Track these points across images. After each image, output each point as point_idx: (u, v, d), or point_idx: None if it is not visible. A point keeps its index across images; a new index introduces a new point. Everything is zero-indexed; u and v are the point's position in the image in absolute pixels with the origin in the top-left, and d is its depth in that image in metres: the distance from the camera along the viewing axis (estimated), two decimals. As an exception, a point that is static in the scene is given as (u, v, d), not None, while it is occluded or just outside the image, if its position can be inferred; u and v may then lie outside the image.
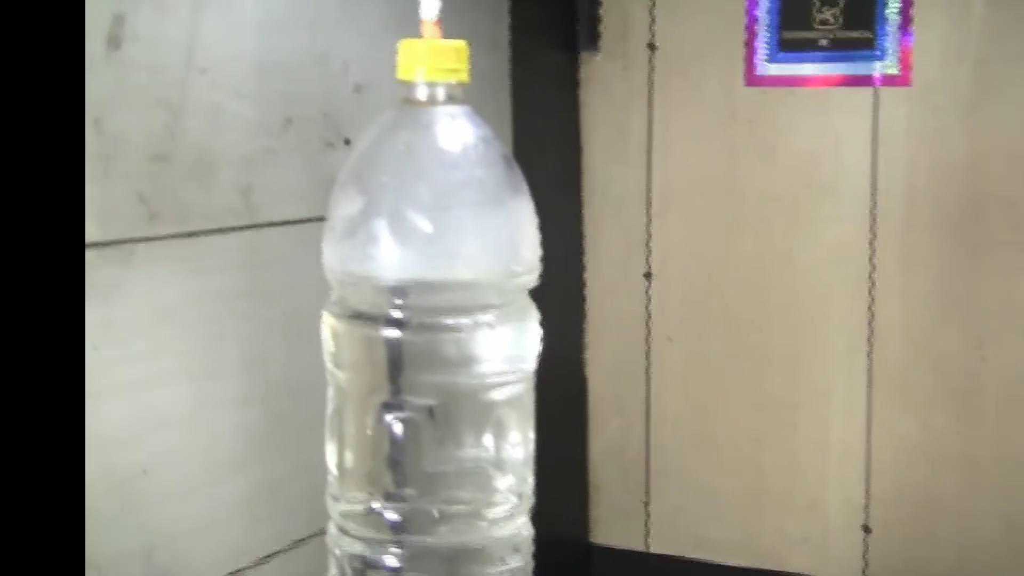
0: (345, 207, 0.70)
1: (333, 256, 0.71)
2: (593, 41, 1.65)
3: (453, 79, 0.71)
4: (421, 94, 0.70)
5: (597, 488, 1.74)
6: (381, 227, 0.67)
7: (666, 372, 1.68)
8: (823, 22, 1.52)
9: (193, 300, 1.01)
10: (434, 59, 0.71)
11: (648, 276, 1.67)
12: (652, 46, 1.63)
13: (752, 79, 1.57)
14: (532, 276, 0.73)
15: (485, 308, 0.70)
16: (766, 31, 1.55)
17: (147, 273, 0.97)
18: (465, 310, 0.69)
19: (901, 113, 1.51)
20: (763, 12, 1.55)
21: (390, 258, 0.68)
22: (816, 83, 1.54)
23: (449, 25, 1.32)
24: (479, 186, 0.69)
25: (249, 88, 1.06)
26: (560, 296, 1.65)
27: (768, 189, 1.58)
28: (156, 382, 0.98)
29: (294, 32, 1.12)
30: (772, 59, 1.56)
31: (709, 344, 1.64)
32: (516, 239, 0.71)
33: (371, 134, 0.71)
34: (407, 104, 0.71)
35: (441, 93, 0.71)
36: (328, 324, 0.72)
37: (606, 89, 1.66)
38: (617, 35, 1.65)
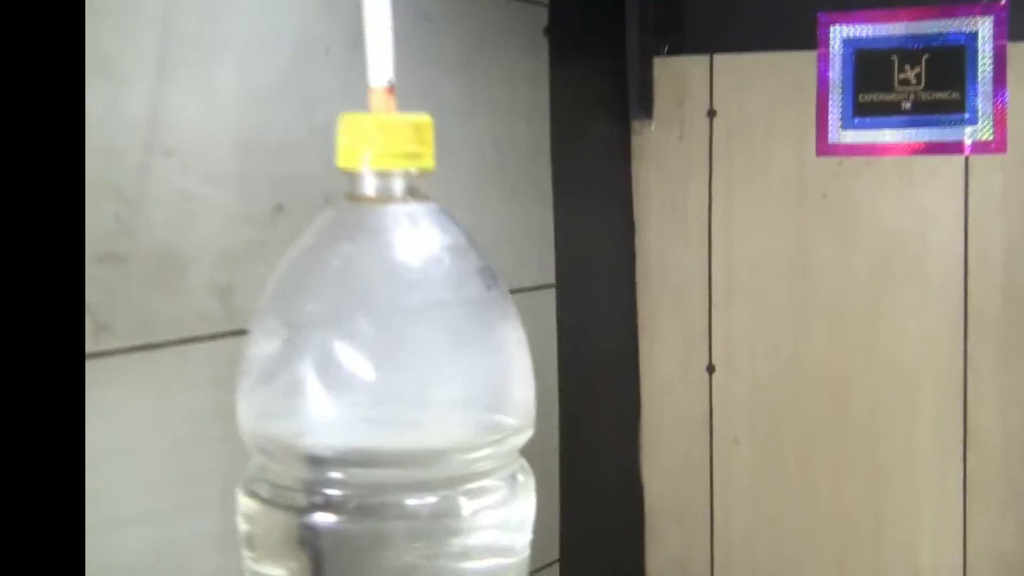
0: (262, 344, 0.54)
1: (246, 410, 0.54)
2: (646, 108, 1.49)
3: (412, 166, 0.54)
4: (368, 187, 0.53)
5: (658, 606, 1.56)
6: (306, 373, 0.50)
7: (732, 478, 1.50)
8: (904, 82, 1.36)
9: (157, 426, 0.85)
10: (386, 140, 0.54)
11: (710, 370, 1.50)
12: (712, 113, 1.47)
13: (825, 148, 1.41)
14: (523, 433, 0.55)
15: (455, 483, 0.52)
16: (840, 94, 1.39)
17: (95, 397, 0.80)
18: (426, 487, 0.51)
19: (996, 184, 1.34)
20: (836, 73, 1.39)
21: (318, 417, 0.51)
22: (898, 151, 1.37)
23: (478, 97, 1.17)
24: (446, 315, 0.52)
25: (229, 172, 0.91)
26: (612, 393, 1.49)
27: (845, 273, 1.41)
28: (112, 528, 0.82)
29: (286, 104, 0.96)
30: (847, 125, 1.39)
31: (780, 447, 1.47)
32: (499, 386, 0.54)
33: (299, 244, 0.55)
34: (349, 201, 0.54)
35: (396, 186, 0.54)
36: (242, 504, 0.55)
37: (661, 161, 1.50)
38: (673, 101, 1.49)
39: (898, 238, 1.39)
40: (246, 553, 0.55)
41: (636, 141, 1.51)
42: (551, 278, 1.36)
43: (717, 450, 1.50)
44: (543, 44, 1.32)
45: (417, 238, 0.54)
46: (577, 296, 1.40)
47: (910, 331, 1.39)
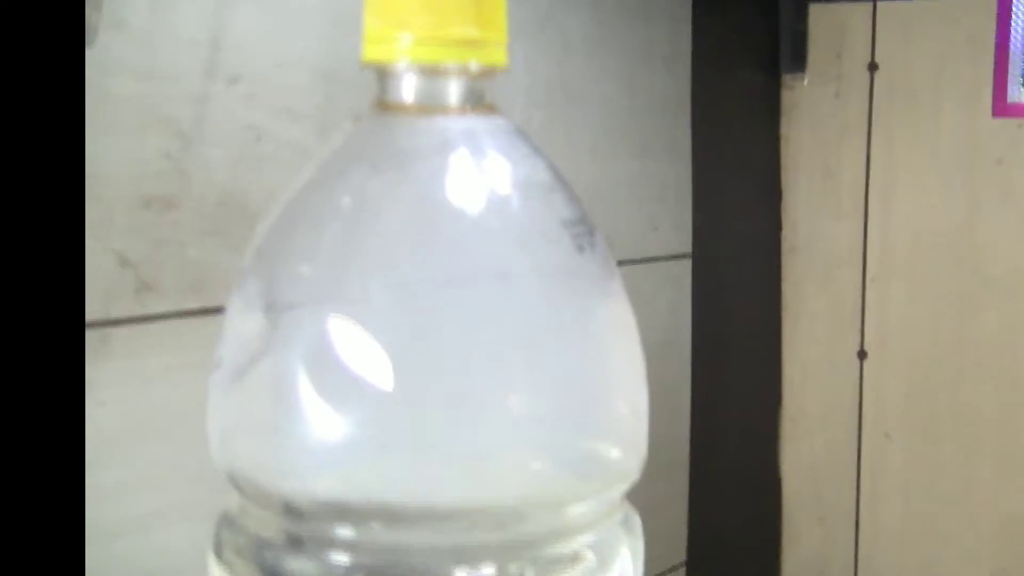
0: (235, 323, 0.39)
1: (212, 424, 0.40)
2: (799, 60, 1.34)
3: (473, 59, 0.39)
4: (405, 90, 0.39)
5: (792, 611, 1.43)
6: (290, 374, 0.35)
7: (881, 476, 1.36)
8: (1100, 35, 1.19)
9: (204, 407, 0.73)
10: (434, 15, 0.38)
11: (862, 355, 1.35)
12: (873, 67, 1.32)
13: (1003, 108, 1.24)
14: (629, 470, 0.39)
15: (522, 549, 0.36)
16: (1022, 46, 1.22)
17: (131, 369, 0.69)
18: (477, 554, 0.35)
19: None
20: (1019, 23, 1.22)
21: (306, 445, 0.35)
22: (1089, 114, 1.20)
23: (608, 34, 1.03)
24: (512, 291, 0.36)
25: (306, 104, 0.78)
26: (750, 378, 1.36)
27: (1020, 251, 1.26)
28: (142, 527, 0.70)
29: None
30: (1030, 83, 1.23)
31: (938, 444, 1.32)
32: (594, 400, 0.38)
33: (300, 176, 0.40)
34: (377, 112, 0.40)
35: (449, 89, 0.39)
36: (212, 568, 0.40)
37: (814, 120, 1.36)
38: (829, 53, 1.34)
39: (1085, 212, 1.22)
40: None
41: (786, 97, 1.36)
42: (687, 247, 1.22)
43: (866, 444, 1.36)
44: (686, -19, 1.18)
45: (475, 170, 0.37)
46: (715, 268, 1.26)
47: (1094, 318, 1.22)
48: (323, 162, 0.40)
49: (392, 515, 0.35)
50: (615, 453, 0.38)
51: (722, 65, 1.26)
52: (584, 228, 0.38)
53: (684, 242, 1.22)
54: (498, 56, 0.39)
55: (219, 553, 0.39)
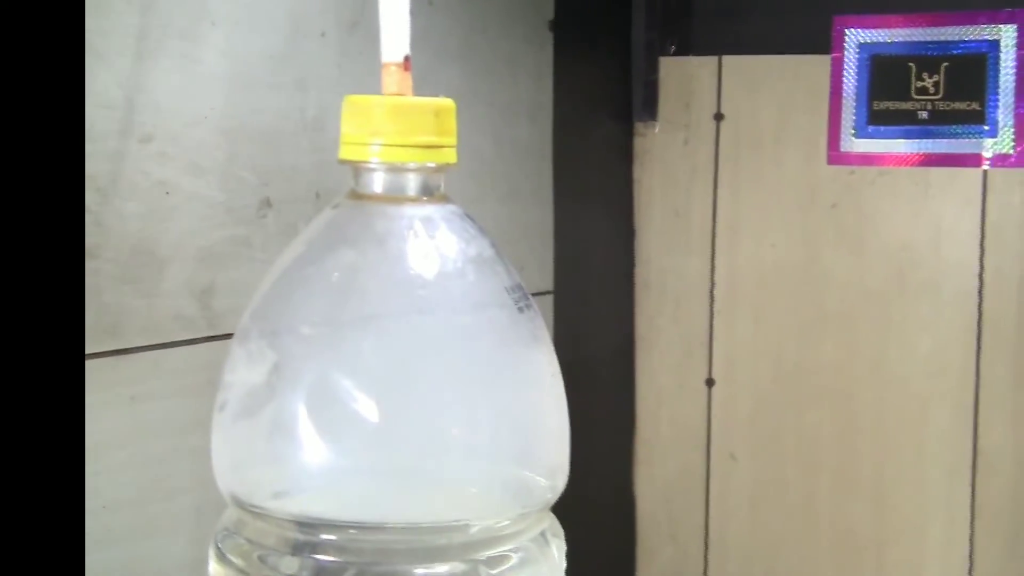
0: (242, 370, 0.47)
1: (220, 455, 0.47)
2: (650, 109, 1.43)
3: (431, 160, 0.48)
4: (376, 184, 0.47)
5: (646, 624, 1.50)
6: (294, 411, 0.43)
7: (729, 495, 1.45)
8: (922, 91, 1.30)
9: (126, 438, 0.79)
10: (401, 126, 0.47)
11: (709, 383, 1.44)
12: (719, 116, 1.41)
13: (836, 157, 1.35)
14: (554, 489, 0.48)
15: (474, 550, 0.45)
16: (854, 101, 1.33)
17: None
18: (439, 555, 0.44)
19: (1015, 199, 1.28)
20: (851, 79, 1.33)
21: (307, 469, 0.43)
22: (912, 162, 1.31)
23: (478, 87, 1.11)
24: (468, 343, 0.45)
25: (212, 161, 0.85)
26: (607, 404, 1.44)
27: (854, 285, 1.36)
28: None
29: (277, 90, 0.90)
30: (860, 133, 1.33)
31: (781, 465, 1.41)
32: (532, 435, 0.47)
33: (291, 250, 0.48)
34: (353, 200, 0.48)
35: (411, 183, 0.47)
36: (213, 569, 0.47)
37: (664, 165, 1.45)
38: (678, 103, 1.43)
39: (911, 251, 1.33)
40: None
41: (639, 143, 1.45)
42: (549, 284, 1.30)
43: (714, 466, 1.44)
44: (548, 37, 1.26)
45: (434, 247, 0.46)
46: (575, 303, 1.34)
47: (921, 347, 1.33)
48: (310, 240, 0.48)
49: (366, 527, 0.43)
50: (543, 482, 0.47)
51: (581, 115, 1.34)
52: (521, 293, 0.47)
53: (546, 279, 1.30)
54: (450, 156, 0.48)
55: (221, 556, 0.46)
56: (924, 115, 1.30)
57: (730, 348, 1.43)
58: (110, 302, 0.78)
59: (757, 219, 1.40)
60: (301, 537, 0.44)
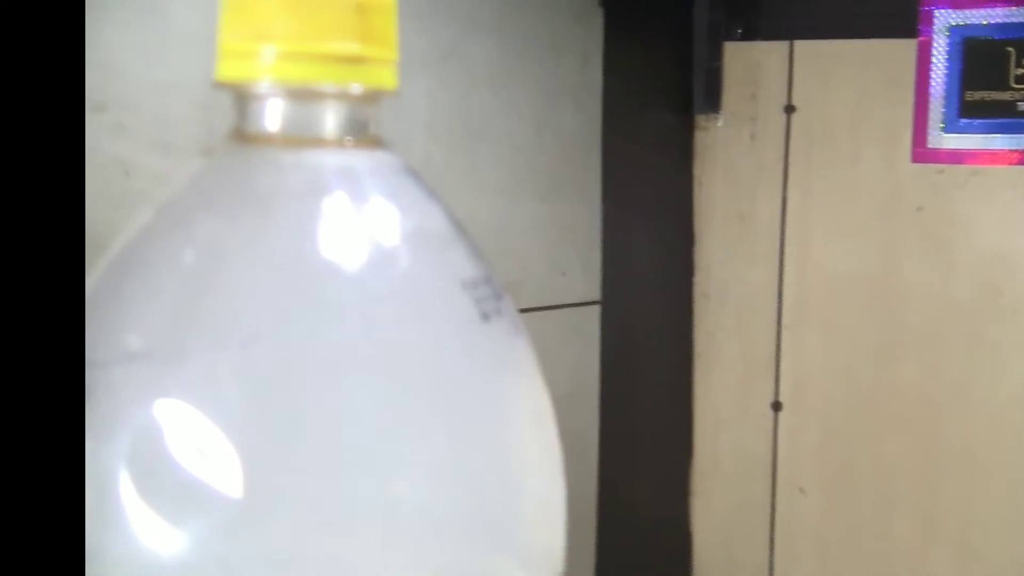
0: None
1: None
2: (712, 101, 1.30)
3: (354, 81, 0.32)
4: (268, 117, 0.32)
5: (702, 672, 1.37)
6: (113, 477, 0.28)
7: (796, 533, 1.31)
8: (1022, 79, 1.15)
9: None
10: (305, 24, 0.31)
11: (776, 407, 1.31)
12: (789, 108, 1.28)
13: (922, 154, 1.21)
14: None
15: None
16: (943, 91, 1.19)
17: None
18: None
19: None
20: (940, 66, 1.19)
21: (127, 558, 0.28)
22: (1010, 160, 1.18)
23: (515, 67, 0.97)
24: (401, 368, 0.29)
25: (186, 137, 0.72)
26: (660, 429, 1.31)
27: (940, 299, 1.22)
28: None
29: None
30: (950, 128, 1.19)
31: (854, 499, 1.28)
32: (500, 504, 0.31)
33: (134, 222, 0.34)
34: (234, 145, 0.33)
35: (324, 117, 0.32)
36: None
37: (727, 163, 1.31)
38: (744, 93, 1.30)
39: (1006, 261, 1.19)
40: None
41: (700, 138, 1.32)
42: (596, 294, 1.16)
43: (780, 499, 1.31)
44: (597, 14, 1.13)
45: (354, 218, 0.30)
46: (625, 315, 1.21)
47: (1016, 370, 1.19)
48: (164, 206, 0.33)
49: None
50: (519, 573, 0.32)
51: (634, 103, 1.21)
52: (489, 290, 0.31)
53: (593, 288, 1.17)
54: (385, 77, 0.32)
55: None
56: (1024, 107, 1.16)
57: (799, 368, 1.30)
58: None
59: (830, 224, 1.27)
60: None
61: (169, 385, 0.29)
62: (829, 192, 1.27)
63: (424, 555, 0.30)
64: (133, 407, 0.29)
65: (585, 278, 1.15)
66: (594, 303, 1.16)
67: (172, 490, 0.28)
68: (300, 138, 0.32)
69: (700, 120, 1.31)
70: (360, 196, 0.31)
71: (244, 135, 0.32)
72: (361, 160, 0.32)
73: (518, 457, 0.32)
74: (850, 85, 1.25)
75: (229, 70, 0.32)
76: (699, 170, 1.32)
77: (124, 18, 0.68)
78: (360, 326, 0.30)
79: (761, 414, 1.31)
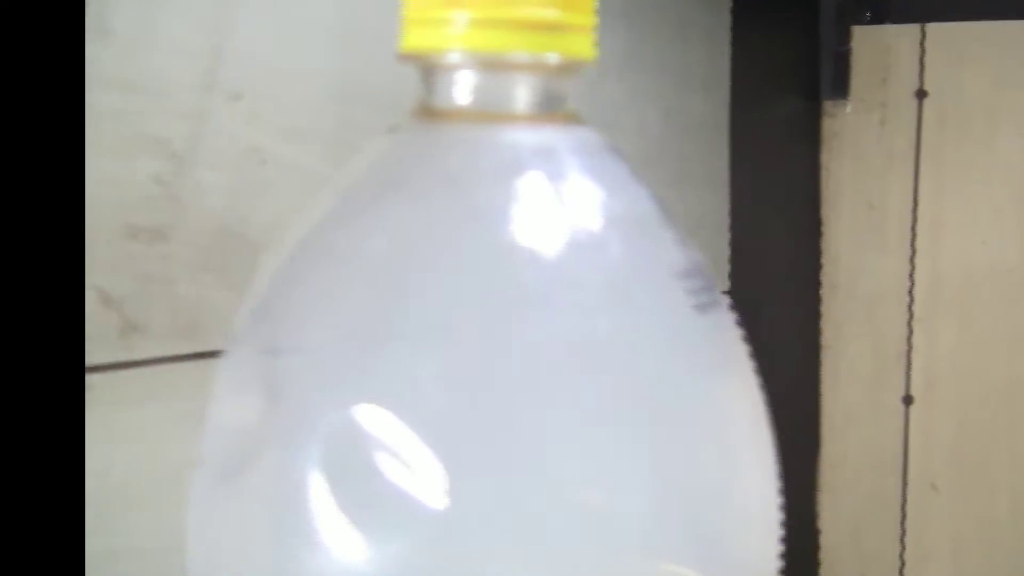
0: (227, 401, 0.30)
1: (197, 536, 0.31)
2: (841, 86, 1.26)
3: (552, 51, 0.29)
4: (459, 91, 0.29)
5: (829, 674, 1.33)
6: (303, 488, 0.25)
7: (928, 532, 1.26)
8: None
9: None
10: None
11: (907, 400, 1.26)
12: (921, 93, 1.23)
13: (1065, 138, 1.15)
14: None
15: None
16: (1087, 73, 1.14)
17: (114, 422, 0.61)
18: None
19: None
20: (1082, 47, 1.14)
21: None
22: None
23: (645, 52, 0.95)
24: (615, 372, 0.27)
25: (317, 126, 0.70)
26: (787, 423, 1.24)
27: (1084, 290, 1.16)
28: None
29: (393, 45, 0.74)
30: (1094, 111, 1.14)
31: (991, 498, 1.23)
32: (723, 522, 0.29)
33: (317, 206, 0.31)
34: (422, 121, 0.30)
35: (518, 90, 0.30)
36: None
37: (857, 150, 1.27)
38: (874, 78, 1.25)
39: None
40: None
41: (828, 125, 1.28)
42: (724, 284, 1.13)
43: (912, 496, 1.27)
44: (724, 0, 1.10)
45: (560, 201, 0.28)
46: (753, 306, 1.17)
47: None
48: (347, 188, 0.30)
49: None
50: None
51: (761, 89, 1.18)
52: (703, 281, 0.29)
53: (721, 278, 1.13)
54: (584, 46, 0.30)
55: None
56: None
57: (932, 361, 1.25)
58: (187, 295, 0.64)
59: (965, 212, 1.22)
60: None
61: (363, 384, 0.27)
62: (963, 180, 1.22)
63: (636, 570, 0.28)
64: (324, 409, 0.27)
65: (714, 268, 1.12)
66: (723, 294, 1.13)
67: (370, 499, 0.26)
68: (493, 113, 0.30)
69: (828, 106, 1.27)
70: (562, 177, 0.29)
71: (432, 110, 0.30)
72: (560, 137, 0.30)
73: (735, 467, 0.30)
74: (985, 68, 1.20)
75: (416, 40, 0.30)
76: (827, 158, 1.28)
77: (260, 6, 0.66)
78: (569, 320, 0.27)
79: (892, 408, 1.27)
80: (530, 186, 0.28)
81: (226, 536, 0.30)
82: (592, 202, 0.29)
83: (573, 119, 0.31)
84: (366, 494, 0.26)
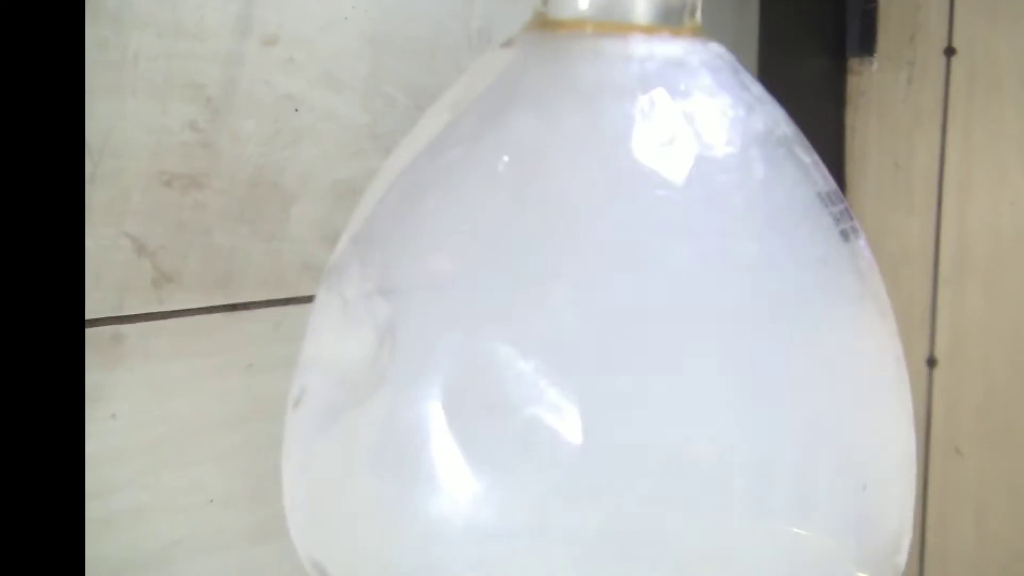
0: (333, 339, 0.28)
1: (295, 482, 0.29)
2: (867, 43, 1.24)
3: None
4: (581, 4, 0.27)
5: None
6: (424, 425, 0.23)
7: (951, 498, 1.24)
8: None
9: (240, 418, 0.63)
10: None
11: (931, 363, 1.24)
12: (950, 51, 1.21)
13: (1097, 97, 1.13)
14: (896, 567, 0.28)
15: None
16: (1121, 30, 1.12)
17: (148, 374, 0.59)
18: None
19: None
20: (1117, 4, 1.11)
21: (450, 533, 0.23)
22: None
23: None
24: (763, 301, 0.25)
25: (353, 73, 0.68)
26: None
27: (1112, 252, 1.14)
28: (162, 559, 0.61)
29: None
30: None
31: (1017, 463, 1.21)
32: (868, 467, 0.26)
33: (427, 124, 0.29)
34: (539, 33, 0.28)
35: (640, 6, 0.27)
36: None
37: (883, 109, 1.25)
38: (901, 35, 1.23)
39: None
40: None
41: (853, 83, 1.26)
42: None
43: (934, 461, 1.25)
44: (753, -43, 1.08)
45: (699, 118, 0.26)
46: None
47: None
48: (463, 105, 0.28)
49: None
50: (884, 552, 0.28)
51: (788, 48, 1.16)
52: (843, 206, 0.27)
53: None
54: None
55: None
56: None
57: (957, 323, 1.23)
58: (221, 245, 0.62)
59: (993, 173, 1.20)
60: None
61: (490, 317, 0.25)
62: (992, 140, 1.20)
63: (778, 533, 0.26)
64: (444, 343, 0.25)
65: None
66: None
67: (495, 438, 0.24)
68: (616, 23, 0.28)
69: (854, 64, 1.25)
70: (699, 92, 0.27)
71: (550, 21, 0.28)
72: (691, 51, 0.28)
73: (886, 409, 0.28)
74: (1015, 26, 1.18)
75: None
76: (852, 117, 1.26)
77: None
78: (714, 245, 0.25)
79: (916, 370, 1.25)
80: (667, 102, 0.26)
81: (333, 475, 0.28)
82: (730, 121, 0.27)
83: (701, 33, 0.28)
84: (491, 432, 0.24)
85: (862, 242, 0.27)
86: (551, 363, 0.24)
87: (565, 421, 0.24)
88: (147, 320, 0.60)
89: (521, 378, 0.24)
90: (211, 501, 0.64)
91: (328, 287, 0.28)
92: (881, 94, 1.25)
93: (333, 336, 0.28)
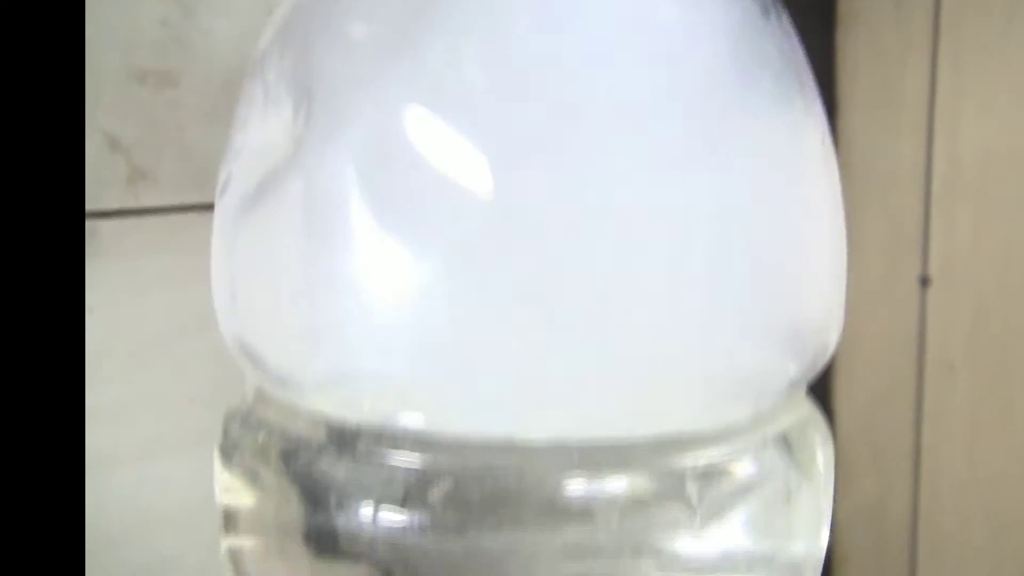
0: (254, 122, 0.29)
1: (221, 267, 0.29)
2: (857, -36, 1.24)
3: None
4: None
5: (844, 560, 1.33)
6: (339, 199, 0.24)
7: (945, 414, 1.25)
8: None
9: (208, 313, 0.64)
10: None
11: (924, 282, 1.25)
12: (939, -29, 1.21)
13: (1085, 12, 1.13)
14: (821, 354, 0.29)
15: (671, 451, 0.25)
16: (1108, -57, 1.11)
17: (124, 270, 0.60)
18: (615, 461, 0.24)
19: None
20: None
21: (367, 308, 0.24)
22: None
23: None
24: (676, 80, 0.25)
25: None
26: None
27: (1101, 167, 1.14)
28: (143, 453, 0.62)
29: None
30: (1116, -17, 1.12)
31: (1009, 378, 1.21)
32: (791, 264, 0.27)
33: None
34: None
35: None
36: (220, 477, 0.29)
37: (873, 31, 1.25)
38: (891, -44, 1.23)
39: None
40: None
41: (843, 5, 1.26)
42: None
43: (928, 378, 1.26)
44: None
45: None
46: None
47: None
48: None
49: (493, 400, 0.24)
50: (807, 338, 0.28)
51: (775, -33, 1.16)
52: (777, 10, 0.28)
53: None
54: None
55: (228, 456, 0.29)
56: None
57: (949, 242, 1.23)
58: (196, 143, 0.63)
59: (985, 95, 1.20)
60: (359, 422, 0.25)
61: (402, 78, 0.25)
62: (983, 61, 1.20)
63: (698, 330, 0.26)
64: (360, 105, 0.26)
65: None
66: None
67: (410, 194, 0.25)
68: None
69: (844, -14, 1.26)
70: None
71: None
72: None
73: (813, 207, 0.28)
74: (1006, -57, 1.18)
75: None
76: (842, 39, 1.26)
77: None
78: (626, 7, 0.26)
79: (908, 289, 1.25)
80: None
81: (258, 256, 0.28)
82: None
83: None
84: (406, 187, 0.25)
85: (785, 20, 0.28)
86: (464, 120, 0.24)
87: (478, 175, 0.24)
88: (122, 216, 0.60)
89: (433, 137, 0.24)
90: (191, 400, 0.65)
91: (252, 77, 0.29)
92: (871, 16, 1.25)
93: (256, 121, 0.28)
